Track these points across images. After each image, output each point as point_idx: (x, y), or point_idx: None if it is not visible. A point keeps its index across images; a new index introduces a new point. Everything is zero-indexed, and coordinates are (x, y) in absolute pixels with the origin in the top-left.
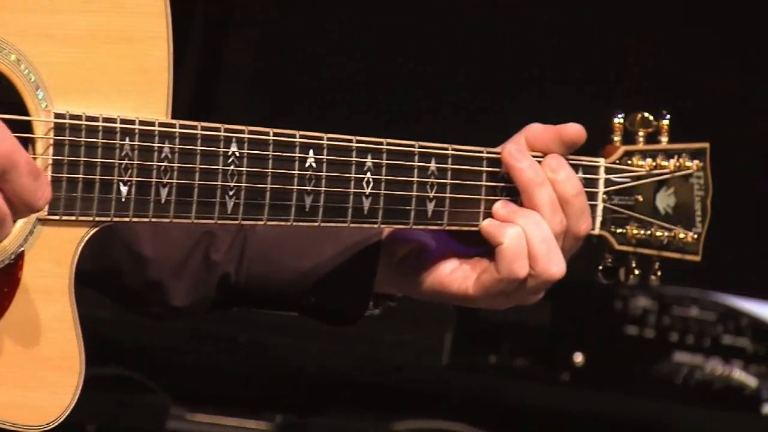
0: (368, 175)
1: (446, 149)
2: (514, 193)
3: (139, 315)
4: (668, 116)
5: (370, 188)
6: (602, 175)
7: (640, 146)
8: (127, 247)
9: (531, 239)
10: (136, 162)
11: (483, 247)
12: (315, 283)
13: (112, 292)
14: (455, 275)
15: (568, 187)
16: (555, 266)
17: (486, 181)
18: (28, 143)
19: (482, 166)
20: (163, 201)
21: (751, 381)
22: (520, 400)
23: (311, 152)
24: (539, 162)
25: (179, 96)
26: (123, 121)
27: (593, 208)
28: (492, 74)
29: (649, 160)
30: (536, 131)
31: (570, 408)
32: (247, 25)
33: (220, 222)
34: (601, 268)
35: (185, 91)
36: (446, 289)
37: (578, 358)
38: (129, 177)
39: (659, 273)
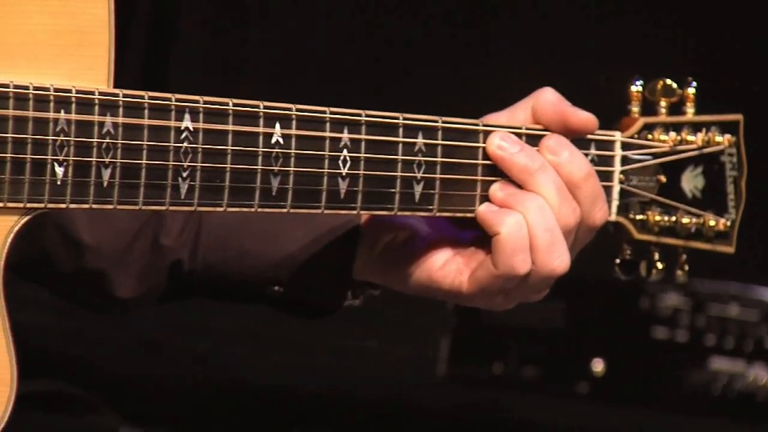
0: (345, 152)
1: (436, 122)
2: None
3: (82, 308)
4: (694, 84)
5: (347, 168)
6: (618, 152)
7: (662, 118)
8: (61, 232)
9: (533, 228)
10: (73, 138)
11: (480, 231)
12: (282, 271)
13: (47, 284)
14: (448, 269)
15: (574, 169)
16: (557, 260)
17: (483, 159)
18: None
19: (478, 142)
20: (105, 184)
21: None
22: (530, 416)
23: (278, 126)
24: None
25: (127, 72)
26: (57, 90)
27: (608, 190)
28: (492, 33)
29: (672, 134)
30: (546, 102)
31: (588, 425)
32: None
33: (172, 209)
34: (618, 261)
35: (133, 66)
36: (437, 285)
37: (598, 366)
38: (65, 156)
39: (686, 267)
